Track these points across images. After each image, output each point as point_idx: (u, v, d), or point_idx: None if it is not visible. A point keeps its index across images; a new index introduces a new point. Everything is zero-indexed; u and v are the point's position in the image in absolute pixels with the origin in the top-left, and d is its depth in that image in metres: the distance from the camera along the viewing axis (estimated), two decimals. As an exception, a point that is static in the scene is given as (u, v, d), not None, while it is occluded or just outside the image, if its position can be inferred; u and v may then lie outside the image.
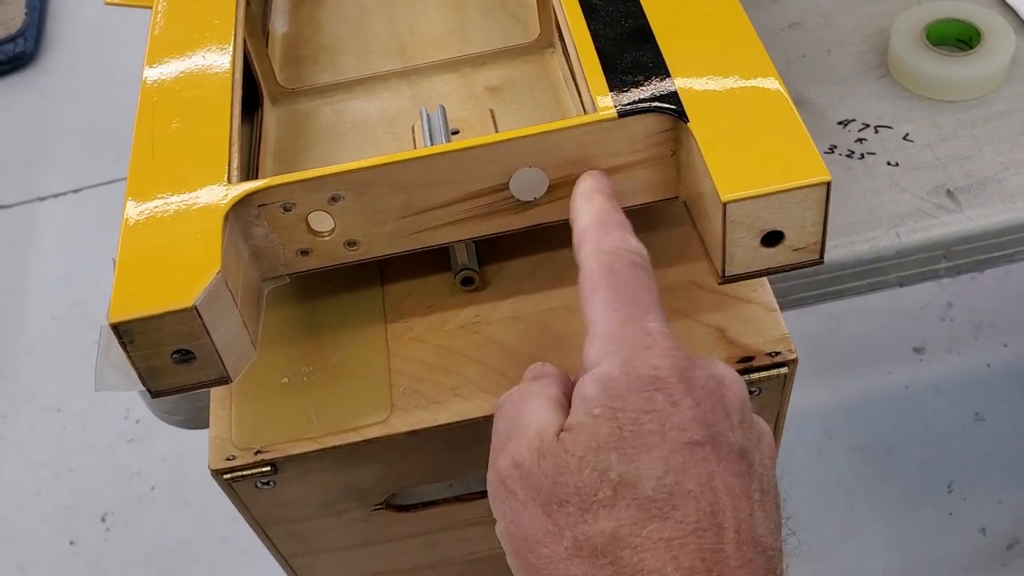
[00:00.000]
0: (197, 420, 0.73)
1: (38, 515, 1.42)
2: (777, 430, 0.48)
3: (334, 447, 0.43)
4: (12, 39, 2.00)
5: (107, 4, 0.65)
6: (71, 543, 1.39)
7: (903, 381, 1.39)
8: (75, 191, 1.82)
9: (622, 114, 0.40)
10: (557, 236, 0.48)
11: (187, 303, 0.36)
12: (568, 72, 0.51)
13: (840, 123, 0.69)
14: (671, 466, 0.32)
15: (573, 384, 0.36)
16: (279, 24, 0.58)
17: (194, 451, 1.44)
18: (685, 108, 0.39)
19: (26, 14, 2.04)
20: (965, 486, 1.29)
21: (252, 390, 0.44)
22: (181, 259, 0.37)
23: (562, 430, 0.34)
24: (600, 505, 0.32)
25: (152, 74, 0.45)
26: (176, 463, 1.44)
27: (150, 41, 0.47)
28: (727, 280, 0.39)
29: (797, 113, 0.39)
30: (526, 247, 0.48)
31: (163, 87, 0.44)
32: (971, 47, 0.71)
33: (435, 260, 0.47)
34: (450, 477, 0.46)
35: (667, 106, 0.39)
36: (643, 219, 0.48)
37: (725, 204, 0.36)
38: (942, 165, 0.66)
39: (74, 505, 1.42)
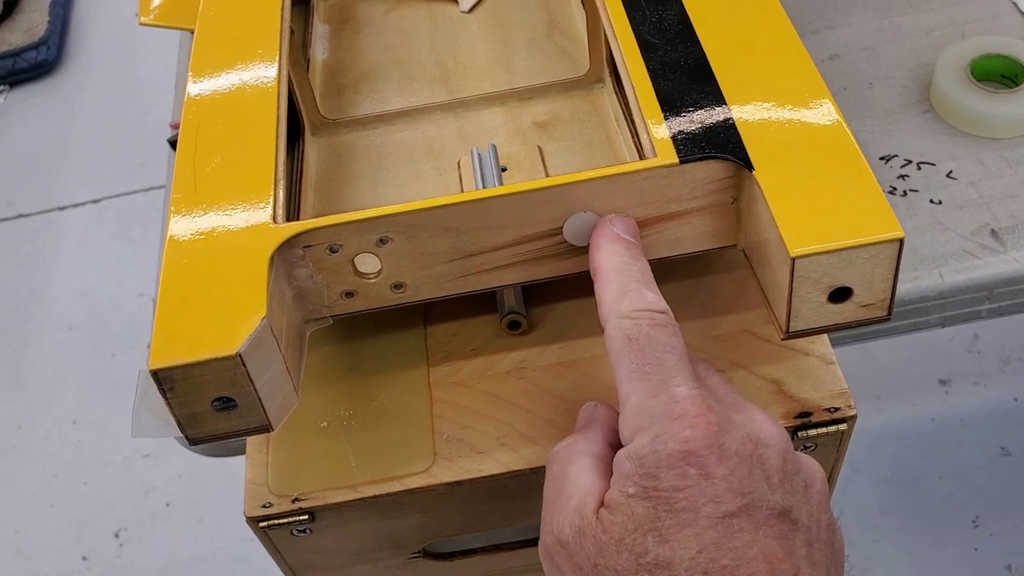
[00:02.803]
0: (220, 448, 0.71)
1: (51, 529, 1.41)
2: (831, 484, 0.46)
3: (375, 496, 0.41)
4: (35, 47, 2.00)
5: (141, 24, 0.64)
6: (84, 559, 1.37)
7: (929, 413, 1.37)
8: (95, 201, 1.82)
9: (684, 160, 0.38)
10: (605, 279, 0.46)
11: (231, 350, 0.34)
12: (619, 109, 0.49)
13: (882, 158, 0.68)
14: (704, 543, 0.32)
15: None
16: (319, 51, 0.57)
17: (211, 469, 1.42)
18: (749, 155, 0.38)
19: (49, 22, 2.04)
20: (991, 521, 1.27)
21: (290, 434, 0.43)
22: (224, 302, 0.36)
23: (602, 504, 0.34)
24: None
25: (194, 102, 0.44)
26: (192, 480, 1.43)
27: (192, 68, 0.46)
28: (790, 336, 0.37)
29: (866, 162, 0.38)
30: (572, 291, 0.46)
31: (206, 117, 0.43)
32: (1016, 83, 0.70)
33: (479, 301, 0.46)
34: (492, 527, 0.45)
35: (731, 155, 0.38)
36: (694, 264, 0.46)
37: (794, 259, 0.35)
38: (986, 204, 0.65)
39: (88, 520, 1.41)
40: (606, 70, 0.51)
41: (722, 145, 0.38)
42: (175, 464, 1.45)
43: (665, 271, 0.46)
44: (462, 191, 0.47)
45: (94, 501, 1.43)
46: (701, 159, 0.38)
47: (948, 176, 0.67)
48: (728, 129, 0.39)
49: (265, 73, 0.44)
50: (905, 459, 1.32)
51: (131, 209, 1.79)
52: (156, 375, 0.35)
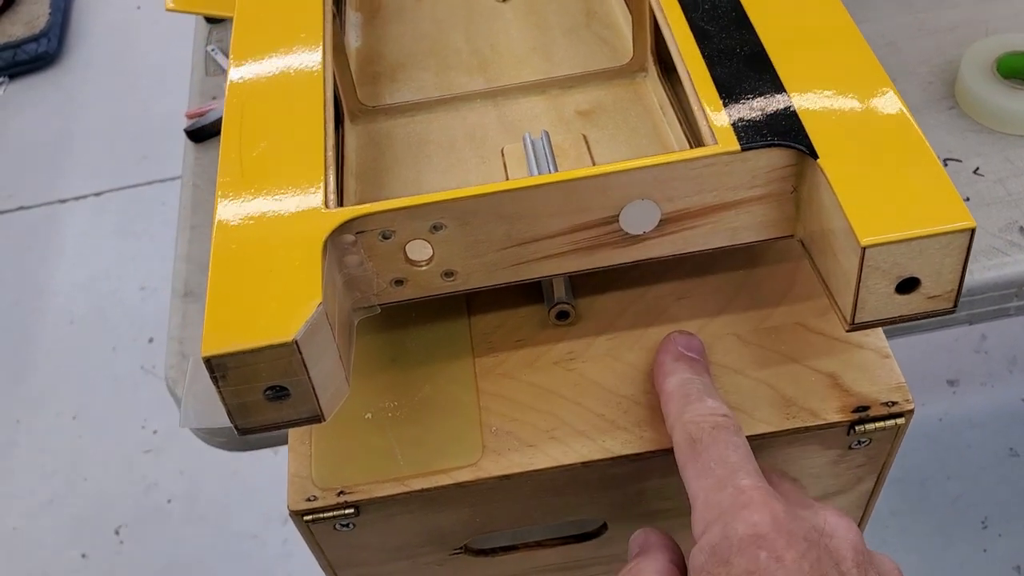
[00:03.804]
0: (240, 443, 0.70)
1: (50, 526, 1.39)
2: (880, 482, 0.45)
3: (421, 490, 0.40)
4: (36, 39, 1.98)
5: (168, 10, 0.63)
6: (83, 556, 1.36)
7: (937, 414, 1.36)
8: (97, 194, 1.80)
9: (746, 148, 0.37)
10: (651, 271, 0.45)
11: (287, 337, 0.33)
12: (665, 98, 0.48)
13: (910, 155, 0.67)
14: None
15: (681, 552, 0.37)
16: (352, 39, 0.56)
17: (213, 464, 1.41)
18: (813, 143, 0.37)
19: (50, 14, 2.02)
20: (1000, 522, 1.27)
21: (333, 425, 0.42)
22: (278, 288, 0.35)
23: None
24: None
25: (237, 87, 0.43)
26: (194, 476, 1.42)
27: (233, 51, 0.45)
28: (855, 327, 0.37)
29: (931, 149, 0.37)
30: (618, 281, 0.45)
31: (250, 101, 0.42)
32: (1043, 80, 0.69)
33: (523, 291, 0.45)
34: (538, 522, 0.44)
35: (795, 142, 0.37)
36: (743, 256, 0.45)
37: (864, 248, 0.34)
38: (1014, 201, 0.64)
39: (88, 516, 1.39)
40: (650, 59, 0.50)
41: (784, 133, 0.38)
42: (177, 460, 1.44)
43: (713, 262, 0.45)
44: (507, 179, 0.46)
45: (94, 497, 1.41)
46: (764, 147, 0.37)
47: (975, 173, 0.66)
48: (789, 117, 0.38)
49: (310, 57, 0.43)
50: (913, 460, 1.32)
51: (133, 202, 1.78)
52: (209, 362, 0.34)
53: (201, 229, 0.77)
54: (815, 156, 0.37)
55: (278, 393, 0.35)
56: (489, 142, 0.48)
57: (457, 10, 0.58)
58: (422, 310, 0.45)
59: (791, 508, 0.34)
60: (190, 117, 0.84)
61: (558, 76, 0.51)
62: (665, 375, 0.40)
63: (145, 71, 2.00)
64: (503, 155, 0.47)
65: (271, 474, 1.38)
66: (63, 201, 1.80)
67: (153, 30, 2.09)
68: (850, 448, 0.42)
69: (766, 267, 0.45)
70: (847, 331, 0.37)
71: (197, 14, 0.79)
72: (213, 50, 0.88)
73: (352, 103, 0.50)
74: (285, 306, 0.34)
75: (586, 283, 0.45)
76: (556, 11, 0.57)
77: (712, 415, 0.37)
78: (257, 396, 0.35)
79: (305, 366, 0.34)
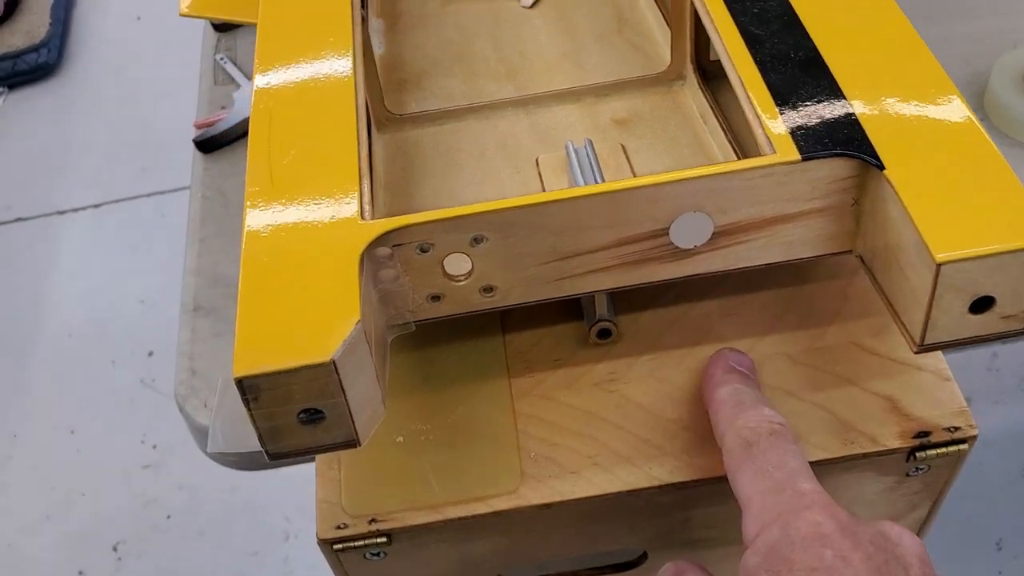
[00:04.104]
0: (252, 462, 0.68)
1: (46, 542, 1.36)
2: (935, 509, 0.43)
3: (457, 519, 0.38)
4: (35, 49, 1.96)
5: (182, 15, 0.61)
6: (80, 573, 1.33)
7: (950, 433, 1.34)
8: (96, 206, 1.78)
9: (806, 157, 0.35)
10: (695, 287, 0.43)
11: (324, 357, 0.31)
12: (706, 107, 0.46)
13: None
14: None
15: None
16: (375, 46, 0.54)
17: (213, 480, 1.39)
18: (878, 152, 0.35)
19: (50, 24, 2.00)
20: (1015, 543, 1.24)
21: (363, 449, 0.39)
22: (313, 305, 0.33)
23: None
24: None
25: (263, 92, 0.41)
26: (194, 492, 1.39)
27: (258, 57, 0.42)
28: (924, 349, 0.35)
29: (1004, 160, 0.35)
30: (660, 298, 0.43)
31: (277, 108, 0.40)
32: (1072, 93, 0.67)
33: (562, 308, 0.43)
34: (574, 553, 0.42)
35: (859, 152, 0.35)
36: (792, 272, 0.43)
37: (939, 265, 0.32)
38: (1049, 216, 0.62)
39: (85, 532, 1.37)
40: (689, 66, 0.48)
41: (846, 142, 0.36)
42: (176, 475, 1.41)
43: (760, 278, 0.43)
44: (543, 190, 0.44)
45: (92, 513, 1.39)
46: (826, 156, 0.35)
47: (1009, 188, 0.64)
48: (851, 125, 0.36)
49: (340, 62, 0.41)
50: (926, 480, 1.30)
51: (133, 214, 1.75)
52: (241, 383, 0.31)
53: (210, 241, 0.75)
54: (881, 166, 0.35)
55: (312, 416, 0.33)
56: (523, 151, 0.46)
57: (482, 16, 0.56)
58: (454, 327, 0.43)
59: (853, 515, 0.32)
60: (199, 127, 0.82)
61: (592, 84, 0.49)
62: (716, 385, 0.38)
63: (145, 82, 1.97)
64: (538, 165, 0.45)
65: (272, 491, 1.36)
66: (61, 213, 1.78)
67: (154, 41, 2.07)
68: (907, 475, 0.40)
69: (816, 284, 0.43)
70: (915, 352, 0.35)
71: (211, 19, 0.77)
72: (222, 59, 0.86)
73: (379, 111, 0.48)
74: (321, 323, 0.32)
75: (627, 299, 0.43)
76: (585, 18, 0.55)
77: (769, 422, 0.35)
78: (290, 419, 0.33)
79: (342, 387, 0.32)
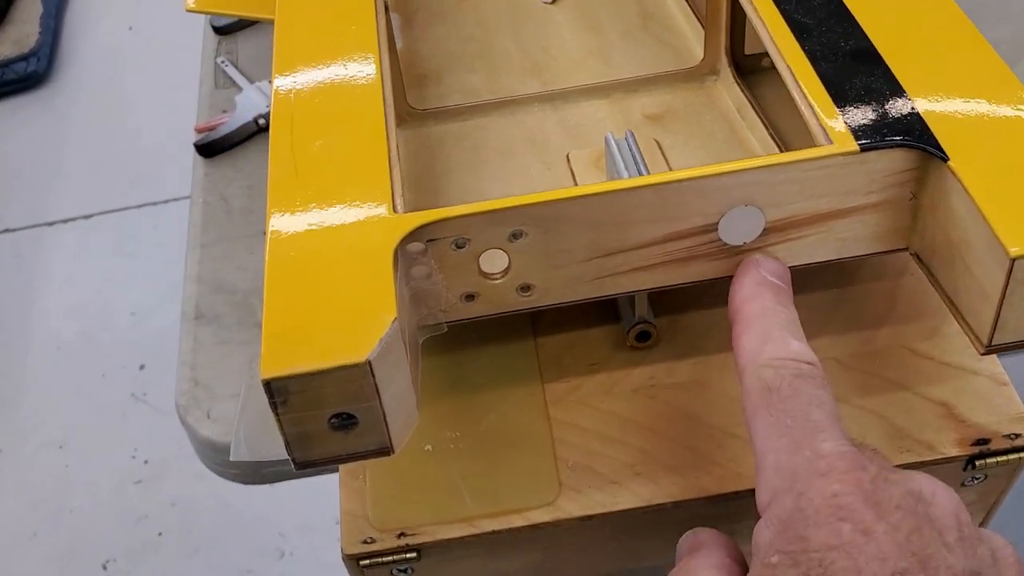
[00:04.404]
0: (256, 475, 0.65)
1: (34, 559, 1.33)
2: (987, 521, 0.41)
3: (492, 532, 0.36)
4: (25, 58, 1.93)
5: (188, 11, 0.59)
6: (69, 591, 1.30)
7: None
8: (85, 217, 1.75)
9: (865, 148, 0.33)
10: (737, 287, 0.41)
11: (360, 357, 0.29)
12: (742, 101, 0.45)
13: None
14: None
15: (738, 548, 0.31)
16: (394, 40, 0.52)
17: (206, 496, 1.36)
18: (940, 143, 0.33)
19: (40, 33, 1.98)
20: None
21: (389, 458, 0.37)
22: (346, 302, 0.31)
23: None
24: None
25: (284, 84, 0.39)
26: (186, 508, 1.36)
27: (277, 47, 0.40)
28: (992, 350, 0.33)
29: (1072, 154, 0.33)
30: (702, 298, 0.41)
31: (300, 99, 0.38)
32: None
33: (596, 309, 0.41)
34: (612, 569, 0.39)
35: (921, 143, 0.33)
36: (837, 272, 0.41)
37: (1014, 259, 0.30)
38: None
39: (74, 550, 1.33)
40: (723, 60, 0.46)
41: (906, 132, 0.34)
42: (168, 491, 1.38)
43: (806, 280, 0.41)
44: (576, 185, 0.42)
45: (81, 530, 1.35)
46: (886, 147, 0.33)
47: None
48: (910, 115, 0.34)
49: (364, 54, 0.39)
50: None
51: (123, 225, 1.73)
52: (268, 386, 0.29)
53: (211, 248, 0.72)
54: (945, 158, 0.33)
55: (344, 421, 0.30)
56: (551, 147, 0.44)
57: (502, 11, 0.54)
58: (482, 329, 0.41)
59: (881, 472, 0.28)
60: (199, 131, 0.79)
61: (621, 79, 0.47)
62: (742, 300, 0.33)
63: (136, 92, 1.95)
64: (569, 161, 0.43)
65: (267, 506, 1.33)
66: (51, 224, 1.75)
67: (146, 51, 2.05)
68: (963, 485, 0.38)
69: (862, 285, 0.41)
70: (982, 354, 0.33)
71: (218, 14, 0.75)
72: (223, 62, 0.84)
73: (401, 106, 0.46)
74: (355, 321, 0.30)
75: (664, 301, 0.41)
76: (609, 13, 0.53)
77: (795, 360, 0.31)
78: (321, 425, 0.30)
79: (377, 390, 0.30)
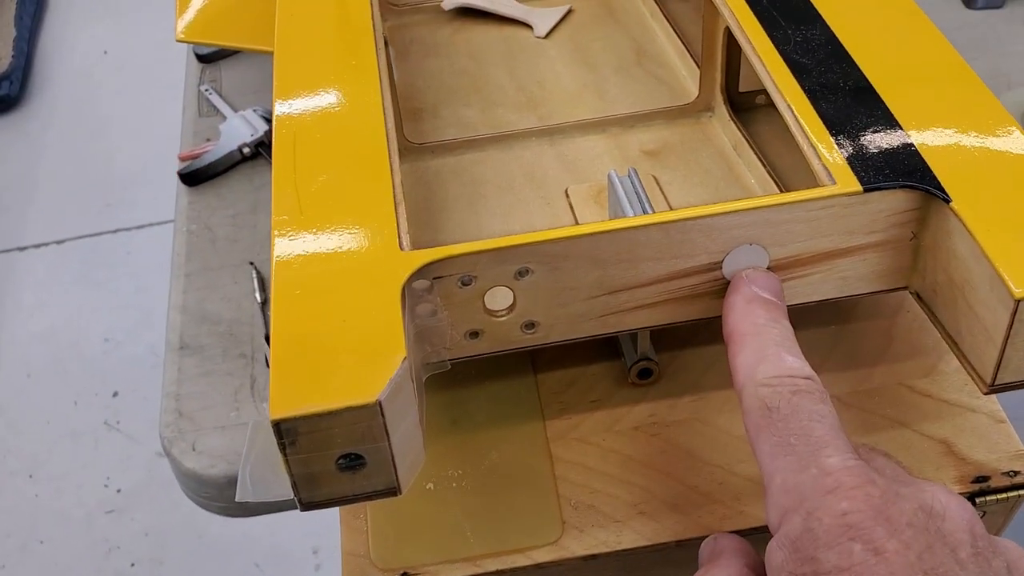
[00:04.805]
0: (243, 509, 0.65)
1: (2, 592, 1.30)
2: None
3: (497, 572, 0.35)
4: (-3, 81, 1.92)
5: (178, 41, 0.59)
6: (37, 625, 1.27)
7: None
8: (58, 242, 1.73)
9: (868, 188, 0.34)
10: (735, 324, 0.41)
11: (370, 397, 0.29)
12: (738, 138, 0.45)
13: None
14: None
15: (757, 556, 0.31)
16: (393, 74, 0.52)
17: (179, 526, 1.34)
18: (943, 184, 0.34)
19: (13, 56, 1.96)
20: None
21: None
22: (354, 341, 0.30)
23: None
24: None
25: (285, 118, 0.38)
26: (159, 538, 1.34)
27: (277, 79, 0.40)
28: (994, 389, 0.33)
29: (1072, 195, 0.33)
30: (700, 335, 0.41)
31: (302, 134, 0.38)
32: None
33: (597, 345, 0.41)
34: (614, 606, 0.39)
35: (923, 184, 0.34)
36: (834, 310, 0.42)
37: (1018, 301, 0.30)
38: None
39: (44, 582, 1.31)
40: (719, 97, 0.46)
41: (909, 173, 0.34)
42: (141, 521, 1.36)
43: (804, 316, 0.41)
44: (576, 221, 0.42)
45: (51, 562, 1.33)
46: (889, 188, 0.34)
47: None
48: (911, 156, 0.35)
49: (365, 87, 0.39)
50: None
51: (96, 251, 1.71)
52: (278, 427, 0.29)
53: (195, 277, 0.72)
54: (947, 199, 0.33)
55: (352, 462, 0.30)
56: (550, 182, 0.44)
57: (495, 46, 0.55)
58: (483, 366, 0.40)
59: (891, 486, 0.28)
60: (183, 159, 0.79)
61: (617, 115, 0.47)
62: (735, 319, 0.33)
63: (110, 117, 1.94)
64: (568, 196, 0.43)
65: (242, 536, 1.31)
66: (22, 249, 1.72)
67: (120, 75, 2.04)
68: (962, 522, 0.38)
69: (859, 323, 0.41)
70: (985, 393, 0.33)
71: (208, 45, 0.75)
72: (207, 90, 0.84)
73: (398, 140, 0.46)
74: (364, 361, 0.30)
75: (665, 337, 0.41)
76: (602, 49, 0.54)
77: (792, 377, 0.31)
78: (328, 465, 0.30)
79: (386, 431, 0.29)
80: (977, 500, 0.37)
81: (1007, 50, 0.86)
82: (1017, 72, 0.85)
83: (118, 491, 1.39)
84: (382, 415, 0.29)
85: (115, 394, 1.49)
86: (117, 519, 1.36)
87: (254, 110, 0.79)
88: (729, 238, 0.34)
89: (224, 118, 0.80)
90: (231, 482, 0.61)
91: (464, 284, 0.34)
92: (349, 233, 0.34)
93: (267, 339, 0.65)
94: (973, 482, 0.37)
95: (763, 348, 0.32)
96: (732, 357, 0.33)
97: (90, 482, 1.40)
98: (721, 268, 0.35)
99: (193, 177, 0.77)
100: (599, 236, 0.33)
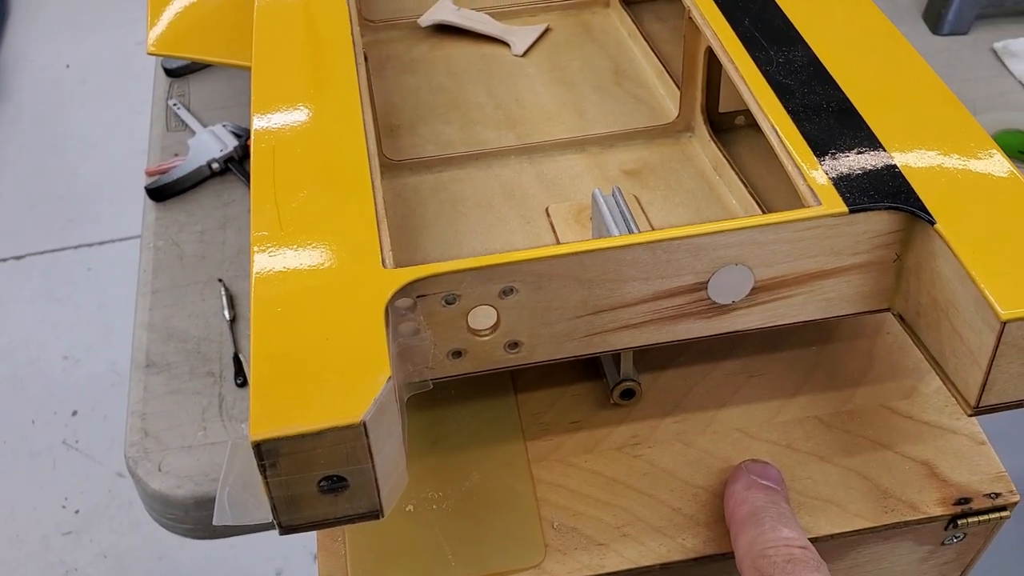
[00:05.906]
0: (209, 531, 0.63)
1: (-45, 618, 1.27)
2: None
3: (478, 595, 0.35)
4: (-43, 94, 1.88)
5: (150, 54, 0.58)
6: (-9, 651, 1.24)
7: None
8: (17, 258, 1.70)
9: (854, 210, 0.34)
10: (718, 345, 0.41)
11: (354, 418, 0.28)
12: (718, 159, 0.45)
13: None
14: None
15: None
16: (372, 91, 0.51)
17: (138, 547, 1.31)
18: (927, 206, 0.34)
19: (-27, 70, 1.93)
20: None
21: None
22: (337, 360, 0.30)
23: None
24: None
25: (263, 133, 0.38)
26: (118, 560, 1.31)
27: (255, 94, 0.40)
28: (978, 412, 0.33)
29: (1052, 217, 0.34)
30: (681, 356, 0.41)
31: (281, 149, 0.37)
32: (1034, 157, 0.69)
33: (577, 366, 0.40)
34: (596, 630, 0.39)
35: (908, 205, 0.34)
36: (814, 332, 0.42)
37: (1004, 323, 0.30)
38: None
39: (-2, 606, 1.28)
40: (699, 117, 0.46)
41: (893, 194, 0.34)
42: (99, 543, 1.33)
43: (784, 338, 0.42)
44: (556, 240, 0.42)
45: (6, 585, 1.30)
46: (874, 209, 0.34)
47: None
48: (895, 177, 0.35)
49: (346, 102, 0.39)
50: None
51: (57, 267, 1.68)
52: (259, 448, 0.28)
53: (163, 294, 0.70)
54: (932, 221, 0.33)
55: (334, 484, 0.29)
56: (530, 201, 0.44)
57: (473, 63, 0.54)
58: (463, 386, 0.40)
59: None
60: (150, 174, 0.78)
61: (597, 134, 0.47)
62: (736, 504, 0.35)
63: (72, 132, 1.91)
64: (548, 214, 0.43)
65: (204, 558, 1.29)
66: (-20, 264, 1.69)
67: (82, 90, 2.01)
68: (943, 544, 0.38)
69: (839, 343, 0.41)
70: (969, 415, 0.33)
71: (179, 58, 0.74)
72: (175, 104, 0.83)
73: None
74: (347, 381, 0.29)
75: (647, 357, 0.41)
76: (580, 68, 0.53)
77: (787, 546, 0.33)
78: (310, 487, 0.29)
79: (370, 452, 0.29)
80: (959, 522, 0.37)
81: (973, 76, 0.87)
82: (982, 98, 0.86)
83: (76, 512, 1.36)
84: (366, 436, 0.28)
85: (74, 413, 1.46)
86: (75, 541, 1.33)
87: (224, 125, 0.78)
88: (715, 258, 0.34)
89: (193, 133, 0.79)
90: (198, 503, 0.60)
91: (448, 303, 0.33)
92: (330, 249, 0.33)
93: (235, 358, 0.64)
94: (955, 504, 0.37)
95: (761, 524, 0.34)
96: (734, 539, 0.34)
97: (47, 503, 1.37)
98: (707, 288, 0.35)
99: (161, 192, 0.76)
100: (585, 255, 0.33)
